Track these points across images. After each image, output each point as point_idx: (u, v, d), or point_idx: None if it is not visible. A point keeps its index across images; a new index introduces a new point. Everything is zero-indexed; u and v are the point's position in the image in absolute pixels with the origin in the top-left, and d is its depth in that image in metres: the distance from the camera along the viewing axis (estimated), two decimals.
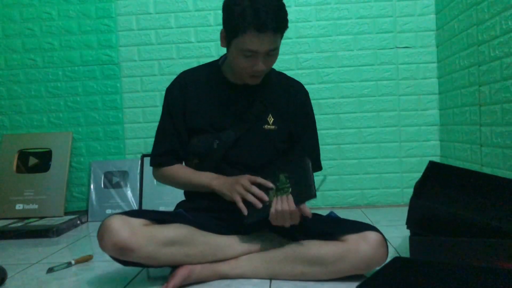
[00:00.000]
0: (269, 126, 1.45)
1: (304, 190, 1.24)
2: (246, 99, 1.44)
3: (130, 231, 1.21)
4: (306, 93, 1.54)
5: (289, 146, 1.49)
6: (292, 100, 1.49)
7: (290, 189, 1.27)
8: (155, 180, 2.47)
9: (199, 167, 1.44)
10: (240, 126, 1.42)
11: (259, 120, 1.44)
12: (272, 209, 1.26)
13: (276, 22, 1.27)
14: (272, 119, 1.45)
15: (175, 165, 1.46)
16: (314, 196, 1.22)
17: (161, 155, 1.46)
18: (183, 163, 1.51)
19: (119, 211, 1.82)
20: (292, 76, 1.59)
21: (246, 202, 1.31)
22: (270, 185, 1.30)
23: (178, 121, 1.45)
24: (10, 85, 2.59)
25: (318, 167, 1.50)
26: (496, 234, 1.24)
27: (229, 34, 1.32)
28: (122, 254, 1.23)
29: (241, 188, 1.31)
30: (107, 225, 1.22)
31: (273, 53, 1.33)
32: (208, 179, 1.39)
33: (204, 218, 1.40)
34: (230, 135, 1.41)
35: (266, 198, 1.28)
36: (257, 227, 1.40)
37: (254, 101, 1.44)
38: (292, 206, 1.24)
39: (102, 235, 1.23)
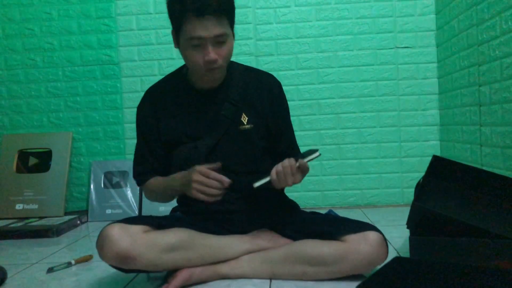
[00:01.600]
0: (244, 126, 1.41)
1: (308, 152, 1.31)
2: (215, 103, 1.40)
3: (130, 239, 1.20)
4: (279, 85, 1.48)
5: (268, 142, 1.45)
6: (266, 95, 1.44)
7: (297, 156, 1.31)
8: None
9: None
10: (215, 132, 1.39)
11: (233, 122, 1.40)
12: (273, 170, 1.26)
13: (217, 3, 1.22)
14: (247, 118, 1.41)
15: (151, 179, 1.43)
16: (316, 151, 1.28)
17: (140, 174, 1.45)
18: None
19: (119, 211, 1.83)
20: (292, 76, 1.57)
21: (255, 174, 1.33)
22: (216, 165, 1.27)
23: (152, 138, 1.43)
24: (10, 85, 2.59)
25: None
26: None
27: (175, 30, 1.32)
28: (123, 263, 1.22)
29: (197, 185, 1.25)
30: (107, 234, 1.21)
31: (222, 39, 1.27)
32: (174, 182, 1.35)
33: (202, 220, 1.39)
34: (207, 142, 1.38)
35: (226, 179, 1.24)
36: (264, 195, 1.38)
37: (224, 104, 1.40)
38: (292, 161, 1.25)
39: (102, 245, 1.21)
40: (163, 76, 2.47)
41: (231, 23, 1.32)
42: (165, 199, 1.46)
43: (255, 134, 1.42)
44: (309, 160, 1.28)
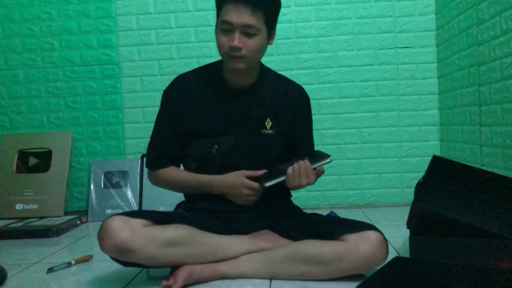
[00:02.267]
0: (267, 131, 1.44)
1: (319, 155, 1.36)
2: (245, 103, 1.43)
3: (130, 232, 1.21)
4: (307, 99, 1.53)
5: (285, 150, 1.48)
6: (293, 106, 1.48)
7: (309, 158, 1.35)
8: None
9: (198, 171, 1.44)
10: (239, 131, 1.42)
11: (257, 124, 1.43)
12: (289, 169, 1.31)
13: None
14: (270, 124, 1.44)
15: (170, 167, 1.46)
16: (328, 156, 1.33)
17: (157, 158, 1.46)
18: (181, 167, 1.51)
19: (119, 211, 1.83)
20: (292, 76, 1.59)
21: (267, 170, 1.40)
22: (260, 172, 1.37)
23: (176, 124, 1.44)
24: (10, 85, 2.59)
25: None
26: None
27: (217, 16, 1.36)
28: (122, 255, 1.23)
29: (246, 198, 1.38)
30: (108, 226, 1.22)
31: (251, 31, 1.30)
32: (207, 178, 1.41)
33: (204, 218, 1.40)
34: (230, 140, 1.41)
35: (260, 172, 1.37)
36: (274, 192, 1.42)
37: (253, 105, 1.43)
38: (308, 163, 1.30)
39: (102, 236, 1.23)
40: (163, 76, 2.52)
41: (268, 22, 1.34)
42: (178, 191, 1.49)
43: (275, 140, 1.45)
44: (318, 166, 1.33)
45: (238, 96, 1.44)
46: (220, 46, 1.35)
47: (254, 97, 1.44)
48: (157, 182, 1.49)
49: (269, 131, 1.44)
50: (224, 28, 1.31)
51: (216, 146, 1.40)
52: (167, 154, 1.45)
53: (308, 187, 1.37)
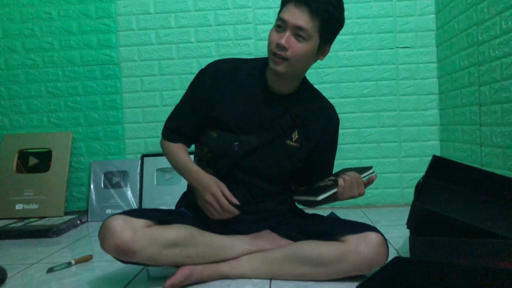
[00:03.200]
0: (291, 143, 1.42)
1: (360, 168, 1.39)
2: (277, 109, 1.40)
3: (131, 232, 1.21)
4: (337, 119, 1.51)
5: (304, 165, 1.47)
6: (323, 125, 1.45)
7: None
8: (155, 180, 2.48)
9: (211, 163, 1.41)
10: (263, 135, 1.39)
11: (283, 134, 1.41)
12: (341, 181, 1.30)
13: (317, 4, 1.26)
14: (297, 137, 1.42)
15: (179, 144, 1.46)
16: (371, 167, 1.37)
17: (173, 132, 1.46)
18: (194, 147, 1.51)
19: (119, 211, 1.82)
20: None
21: (317, 186, 1.40)
22: (234, 200, 1.35)
23: (200, 106, 1.42)
24: (10, 85, 2.59)
25: None
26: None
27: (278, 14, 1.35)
28: (123, 256, 1.23)
29: (207, 205, 1.35)
30: (109, 226, 1.22)
31: (302, 34, 1.27)
32: (191, 176, 1.39)
33: (205, 218, 1.40)
34: (252, 141, 1.38)
35: (236, 212, 1.35)
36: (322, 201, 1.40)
37: (284, 114, 1.40)
38: (356, 174, 1.31)
39: (103, 236, 1.23)
40: (163, 76, 2.52)
41: (323, 33, 1.30)
42: (172, 165, 1.49)
43: (298, 153, 1.43)
44: (364, 176, 1.34)
45: (273, 101, 1.40)
46: (269, 42, 1.32)
47: (287, 107, 1.41)
48: (164, 150, 1.49)
49: (294, 144, 1.42)
50: (278, 24, 1.30)
51: (237, 143, 1.37)
52: (182, 131, 1.45)
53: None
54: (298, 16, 1.26)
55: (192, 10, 2.51)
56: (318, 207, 1.51)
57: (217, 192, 1.33)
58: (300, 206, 1.56)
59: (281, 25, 1.29)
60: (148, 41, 2.53)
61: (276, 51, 1.29)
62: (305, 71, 1.40)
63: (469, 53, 2.01)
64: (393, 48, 2.44)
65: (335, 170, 1.53)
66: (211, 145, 1.40)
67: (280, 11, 1.33)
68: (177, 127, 1.46)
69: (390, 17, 2.44)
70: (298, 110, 1.41)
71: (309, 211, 1.58)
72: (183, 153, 1.44)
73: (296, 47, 1.28)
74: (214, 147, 1.40)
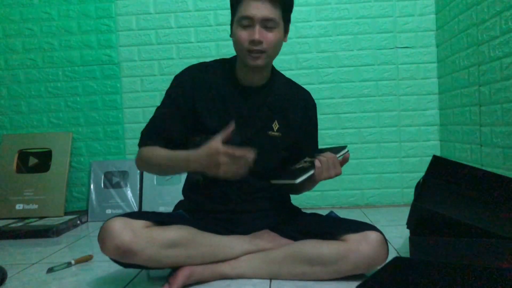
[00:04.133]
0: (273, 133, 1.43)
1: (334, 149, 1.39)
2: (253, 103, 1.42)
3: (131, 233, 1.21)
4: (315, 105, 1.53)
5: (289, 154, 1.48)
6: (301, 111, 1.47)
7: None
8: (155, 180, 2.48)
9: None
10: (245, 130, 1.40)
11: (264, 125, 1.42)
12: (317, 162, 1.30)
13: None
14: (277, 126, 1.44)
15: (154, 146, 1.36)
16: (345, 147, 1.37)
17: (151, 136, 1.39)
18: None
19: (119, 211, 1.82)
20: (292, 76, 1.59)
21: (285, 166, 1.40)
22: (249, 154, 1.19)
23: (182, 109, 1.39)
24: (10, 85, 2.59)
25: None
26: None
27: (232, 14, 1.36)
28: (124, 257, 1.22)
29: (226, 167, 1.19)
30: (108, 227, 1.22)
31: (270, 25, 1.30)
32: (184, 153, 1.29)
33: (204, 219, 1.40)
34: (235, 139, 1.38)
35: (250, 154, 1.18)
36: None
37: (261, 106, 1.42)
38: (332, 155, 1.31)
39: (103, 238, 1.22)
40: (163, 76, 2.52)
41: (285, 17, 1.36)
42: (161, 172, 1.42)
43: (281, 142, 1.44)
44: (339, 156, 1.35)
45: (248, 95, 1.42)
46: (239, 43, 1.32)
47: (263, 98, 1.43)
48: (140, 161, 1.39)
49: (276, 133, 1.43)
50: (243, 24, 1.31)
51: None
52: (162, 135, 1.38)
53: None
54: (262, 8, 1.29)
55: (192, 10, 2.51)
56: (318, 207, 1.50)
57: (221, 149, 1.18)
58: (303, 207, 1.56)
59: (247, 23, 1.31)
60: (148, 41, 2.53)
61: (251, 47, 1.31)
62: (275, 57, 1.41)
63: (469, 53, 2.01)
64: (393, 48, 2.44)
65: None
66: (195, 147, 1.38)
67: (235, 12, 1.34)
68: (161, 133, 1.38)
69: (390, 17, 2.44)
70: (274, 100, 1.43)
71: (308, 210, 1.58)
72: (163, 151, 1.34)
73: (270, 37, 1.32)
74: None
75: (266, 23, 1.30)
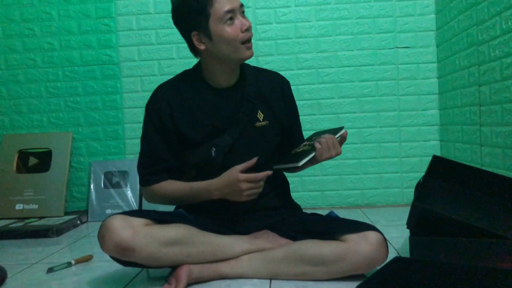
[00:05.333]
0: (261, 123, 1.45)
1: (331, 130, 1.44)
2: (233, 101, 1.43)
3: (131, 231, 1.21)
4: (288, 82, 1.55)
5: (280, 138, 1.50)
6: (278, 93, 1.50)
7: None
8: None
9: (198, 179, 1.40)
10: (234, 129, 1.41)
11: (250, 119, 1.43)
12: (317, 144, 1.34)
13: None
14: (262, 115, 1.45)
15: (165, 182, 1.41)
16: (342, 128, 1.41)
17: (150, 174, 1.42)
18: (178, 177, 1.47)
19: (119, 211, 1.83)
20: (292, 76, 1.60)
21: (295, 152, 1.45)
22: (252, 162, 1.32)
23: (166, 136, 1.40)
24: (10, 85, 2.59)
25: None
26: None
27: (202, 26, 1.33)
28: (123, 255, 1.23)
29: (249, 192, 1.31)
30: (108, 225, 1.22)
31: (244, 10, 1.37)
32: (204, 184, 1.36)
33: (205, 218, 1.40)
34: (227, 140, 1.40)
35: (268, 172, 1.31)
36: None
37: (241, 102, 1.42)
38: (331, 135, 1.35)
39: (103, 236, 1.23)
40: (163, 76, 2.52)
41: None
42: (178, 203, 1.46)
43: (271, 130, 1.46)
44: (338, 136, 1.38)
45: (225, 95, 1.43)
46: (231, 38, 1.33)
47: (241, 93, 1.44)
48: (153, 198, 1.44)
49: (263, 123, 1.45)
50: (226, 18, 1.32)
51: (214, 149, 1.39)
52: (160, 168, 1.41)
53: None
54: None
55: None
56: (318, 207, 1.50)
57: (243, 176, 1.29)
58: (305, 205, 1.56)
59: (231, 16, 1.33)
60: (148, 41, 2.53)
61: (246, 36, 1.35)
62: None
63: (469, 53, 2.01)
64: (393, 48, 2.44)
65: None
66: (191, 163, 1.41)
67: (209, 14, 1.32)
68: (155, 168, 1.41)
69: (390, 17, 2.44)
70: (251, 92, 1.44)
71: (308, 210, 1.58)
72: (177, 183, 1.41)
73: (249, 22, 1.37)
74: (194, 164, 1.40)
75: (242, 9, 1.36)
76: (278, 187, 1.51)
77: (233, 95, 1.43)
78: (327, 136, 1.36)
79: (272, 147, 1.48)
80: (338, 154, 1.37)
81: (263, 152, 1.43)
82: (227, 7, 1.31)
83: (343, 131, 1.40)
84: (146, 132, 1.44)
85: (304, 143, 1.46)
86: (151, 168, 1.42)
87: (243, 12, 1.37)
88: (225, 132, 1.41)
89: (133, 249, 1.21)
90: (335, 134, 1.38)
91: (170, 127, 1.40)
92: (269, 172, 1.31)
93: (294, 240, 1.35)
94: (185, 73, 1.50)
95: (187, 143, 1.41)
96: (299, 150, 1.43)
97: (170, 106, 1.41)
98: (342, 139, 1.40)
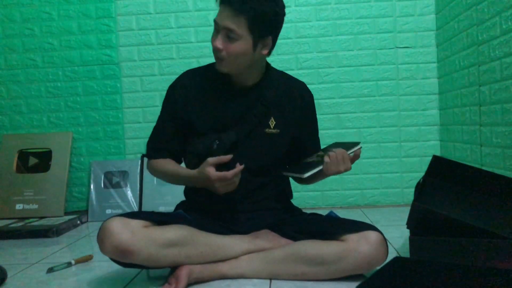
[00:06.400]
0: (270, 130, 1.43)
1: (347, 144, 1.40)
2: (248, 101, 1.43)
3: (130, 233, 1.21)
4: (311, 95, 1.52)
5: (291, 149, 1.48)
6: (297, 104, 1.47)
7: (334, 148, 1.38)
8: (155, 180, 2.48)
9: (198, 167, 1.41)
10: (241, 127, 1.41)
11: (260, 122, 1.42)
12: (326, 157, 1.32)
13: (241, 2, 1.26)
14: (274, 123, 1.44)
15: (166, 159, 1.46)
16: (358, 143, 1.38)
17: (156, 150, 1.48)
18: (182, 162, 1.51)
19: (119, 211, 1.83)
20: (292, 76, 1.58)
21: (301, 162, 1.43)
22: (226, 158, 1.29)
23: (177, 120, 1.44)
24: (10, 85, 2.59)
25: None
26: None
27: None
28: (123, 257, 1.23)
29: (223, 188, 1.30)
30: (107, 228, 1.22)
31: (232, 35, 1.29)
32: (190, 180, 1.38)
33: (204, 218, 1.40)
34: (231, 136, 1.40)
35: (240, 167, 1.28)
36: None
37: (256, 104, 1.42)
38: (343, 150, 1.32)
39: (102, 238, 1.22)
40: (163, 76, 2.52)
41: (253, 30, 1.30)
42: (170, 182, 1.50)
43: (280, 139, 1.44)
44: (351, 152, 1.35)
45: (242, 94, 1.43)
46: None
47: (257, 96, 1.43)
48: (153, 171, 1.50)
49: (273, 130, 1.44)
50: (215, 27, 1.34)
51: (217, 142, 1.38)
52: (165, 147, 1.46)
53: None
54: (224, 17, 1.29)
55: (192, 10, 2.51)
56: (318, 207, 1.50)
57: (215, 174, 1.27)
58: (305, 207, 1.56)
59: (215, 27, 1.33)
60: (148, 41, 2.53)
61: (215, 54, 1.35)
62: (257, 65, 1.41)
63: (469, 53, 2.01)
64: (393, 48, 2.44)
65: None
66: (194, 151, 1.42)
67: None
68: (161, 145, 1.47)
69: (390, 17, 2.44)
70: (268, 96, 1.43)
71: (308, 210, 1.58)
72: (173, 166, 1.45)
73: (229, 47, 1.31)
74: (196, 151, 1.41)
75: (228, 33, 1.29)
76: (281, 193, 1.51)
77: (249, 95, 1.43)
78: (338, 150, 1.33)
79: (279, 155, 1.46)
80: (347, 170, 1.34)
81: (267, 159, 1.44)
82: (216, 17, 1.32)
83: (357, 147, 1.37)
84: (162, 111, 1.50)
85: (318, 153, 1.43)
86: (155, 144, 1.48)
87: (230, 37, 1.29)
88: (232, 129, 1.41)
89: (132, 251, 1.21)
90: (349, 149, 1.36)
91: (181, 113, 1.44)
92: (240, 167, 1.27)
93: (294, 240, 1.35)
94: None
95: (194, 131, 1.43)
96: (309, 160, 1.41)
97: (186, 94, 1.44)
98: (355, 156, 1.37)
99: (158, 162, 1.46)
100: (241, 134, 1.40)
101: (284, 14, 1.38)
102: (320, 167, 1.34)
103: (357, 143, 1.39)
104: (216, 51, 1.33)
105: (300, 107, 1.48)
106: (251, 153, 1.41)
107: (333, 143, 1.52)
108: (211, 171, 1.27)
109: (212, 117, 1.42)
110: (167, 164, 1.45)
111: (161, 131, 1.47)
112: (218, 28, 1.31)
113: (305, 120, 1.49)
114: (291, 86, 1.49)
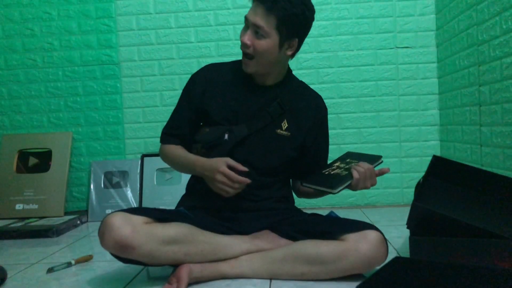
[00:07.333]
0: (282, 131, 1.44)
1: (373, 157, 1.39)
2: (264, 98, 1.45)
3: (131, 228, 1.22)
4: (326, 109, 1.55)
5: (299, 155, 1.49)
6: (311, 113, 1.49)
7: (359, 160, 1.37)
8: (155, 180, 2.48)
9: (206, 157, 1.41)
10: (253, 123, 1.42)
11: (273, 121, 1.43)
12: (355, 173, 1.31)
13: (274, 1, 1.30)
14: (287, 125, 1.45)
15: (176, 146, 1.49)
16: (380, 157, 1.38)
17: (169, 135, 1.51)
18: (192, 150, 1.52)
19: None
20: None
21: (325, 174, 1.39)
22: (243, 168, 1.31)
23: (193, 109, 1.47)
24: (10, 85, 2.59)
25: None
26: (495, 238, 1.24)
27: None
28: (123, 252, 1.23)
29: (220, 185, 1.31)
30: (108, 222, 1.23)
31: (261, 32, 1.32)
32: (196, 167, 1.39)
33: (205, 217, 1.40)
34: (242, 130, 1.41)
35: (247, 181, 1.30)
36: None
37: (271, 102, 1.44)
38: (369, 165, 1.32)
39: (103, 233, 1.23)
40: (163, 76, 2.52)
41: (281, 30, 1.33)
42: (178, 170, 1.53)
43: (289, 142, 1.45)
44: (376, 166, 1.35)
45: (260, 91, 1.46)
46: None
47: (274, 96, 1.45)
48: (163, 156, 1.53)
49: (284, 132, 1.45)
50: (245, 23, 1.37)
51: (228, 133, 1.41)
52: (175, 133, 1.50)
53: None
54: (255, 14, 1.33)
55: (192, 10, 2.51)
56: (318, 207, 1.50)
57: (224, 168, 1.31)
58: (304, 204, 1.56)
59: (246, 23, 1.37)
60: (148, 41, 2.53)
61: (242, 48, 1.38)
62: (280, 65, 1.44)
63: (469, 53, 2.01)
64: (393, 48, 2.44)
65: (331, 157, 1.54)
66: (203, 140, 1.45)
67: None
68: (175, 131, 1.50)
69: (390, 17, 2.44)
70: (286, 98, 1.45)
71: (308, 210, 1.58)
72: (183, 151, 1.48)
73: (256, 44, 1.35)
74: (206, 141, 1.44)
75: (256, 29, 1.33)
76: (283, 196, 1.51)
77: (266, 93, 1.45)
78: (366, 166, 1.33)
79: (286, 158, 1.46)
80: (373, 185, 1.35)
81: (274, 159, 1.44)
82: (247, 13, 1.36)
83: (381, 161, 1.38)
84: (180, 98, 1.53)
85: (337, 164, 1.42)
86: (169, 129, 1.52)
87: (258, 34, 1.33)
88: (245, 123, 1.42)
89: (132, 247, 1.21)
90: (373, 163, 1.35)
91: (197, 103, 1.46)
92: (247, 180, 1.30)
93: (294, 240, 1.35)
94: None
95: (208, 120, 1.45)
96: (333, 173, 1.38)
97: (206, 85, 1.47)
98: (381, 173, 1.37)
99: (170, 147, 1.49)
100: (253, 129, 1.42)
101: (313, 19, 1.40)
102: (349, 182, 1.32)
103: (379, 157, 1.38)
104: (244, 46, 1.36)
105: (314, 117, 1.50)
106: (258, 151, 1.42)
107: (347, 153, 1.50)
108: (223, 164, 1.30)
109: (227, 108, 1.44)
110: (177, 150, 1.48)
111: (176, 118, 1.51)
112: (247, 24, 1.35)
113: (317, 131, 1.51)
114: (308, 95, 1.52)
